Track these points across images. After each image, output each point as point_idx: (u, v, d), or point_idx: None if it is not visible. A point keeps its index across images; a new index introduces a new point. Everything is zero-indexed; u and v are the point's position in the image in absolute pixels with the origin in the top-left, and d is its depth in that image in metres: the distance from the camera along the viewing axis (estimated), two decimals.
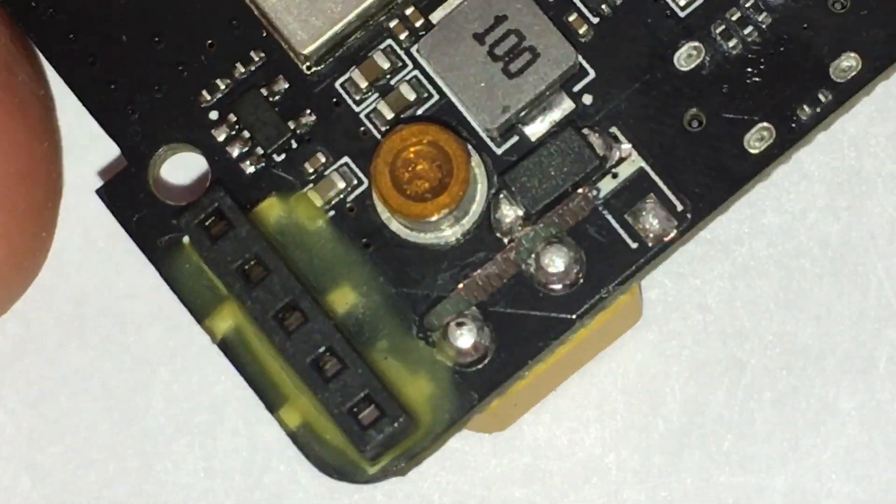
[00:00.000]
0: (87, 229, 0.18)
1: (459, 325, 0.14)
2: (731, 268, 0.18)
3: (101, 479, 0.18)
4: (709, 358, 0.18)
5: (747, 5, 0.15)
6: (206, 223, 0.14)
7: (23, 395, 0.18)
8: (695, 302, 0.18)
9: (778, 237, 0.18)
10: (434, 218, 0.14)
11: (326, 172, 0.15)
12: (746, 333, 0.18)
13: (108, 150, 0.17)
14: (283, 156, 0.15)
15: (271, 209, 0.15)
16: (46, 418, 0.18)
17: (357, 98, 0.15)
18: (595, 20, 0.15)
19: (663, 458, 0.18)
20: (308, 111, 0.15)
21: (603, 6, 0.15)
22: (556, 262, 0.15)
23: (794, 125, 0.15)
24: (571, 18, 0.15)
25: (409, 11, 0.15)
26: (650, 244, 0.14)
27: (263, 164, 0.15)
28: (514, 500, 0.18)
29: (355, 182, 0.15)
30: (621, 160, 0.15)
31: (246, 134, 0.15)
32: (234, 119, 0.15)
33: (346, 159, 0.15)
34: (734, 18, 0.15)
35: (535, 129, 0.15)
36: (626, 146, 0.15)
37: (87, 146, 0.18)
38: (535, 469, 0.18)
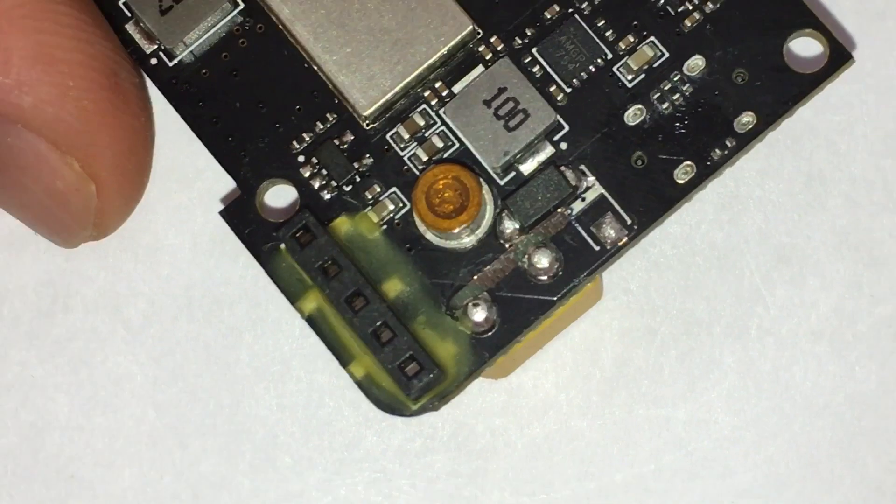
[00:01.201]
0: (194, 235, 0.22)
1: (475, 305, 0.18)
2: (647, 263, 0.22)
3: (205, 412, 0.22)
4: (631, 327, 0.22)
5: (675, 79, 0.18)
6: (297, 235, 0.18)
7: (150, 353, 0.22)
8: (621, 287, 0.22)
9: (680, 241, 0.22)
10: (456, 231, 0.18)
11: (380, 198, 0.18)
12: (657, 309, 0.22)
13: (210, 181, 0.22)
14: (350, 187, 0.18)
15: (342, 224, 0.18)
16: (166, 369, 0.22)
17: (402, 146, 0.19)
18: (568, 90, 0.19)
19: (600, 398, 0.22)
20: (367, 155, 0.19)
21: (574, 80, 0.19)
22: (542, 260, 0.18)
23: (708, 163, 0.18)
24: (552, 89, 0.19)
25: (437, 84, 0.19)
26: (608, 248, 0.18)
27: (336, 193, 0.18)
28: (495, 426, 0.22)
29: (401, 205, 0.18)
30: (587, 188, 0.18)
31: (324, 171, 0.18)
32: (316, 161, 0.19)
33: (394, 189, 0.18)
34: (666, 88, 0.18)
35: (527, 167, 0.18)
36: (591, 178, 0.18)
37: (192, 178, 0.22)
38: (509, 405, 0.22)
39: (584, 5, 0.19)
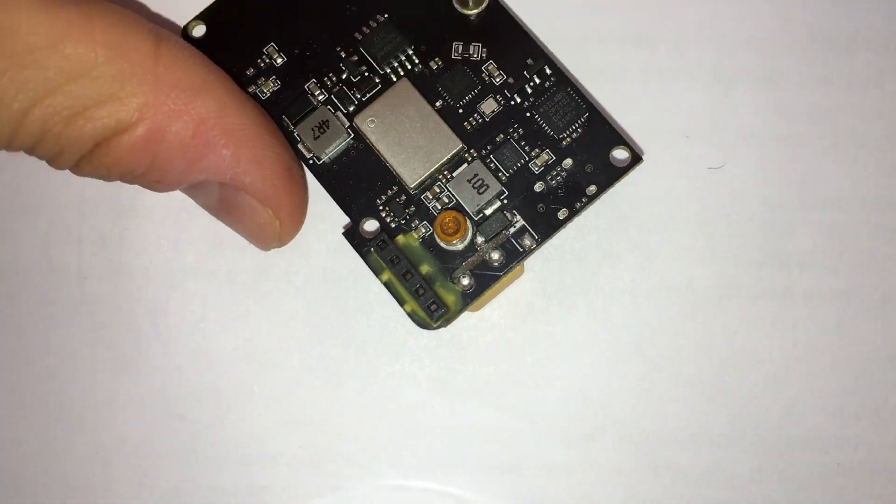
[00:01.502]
0: (327, 246, 0.28)
1: (463, 276, 0.25)
2: (543, 256, 0.28)
3: (339, 334, 0.28)
4: (534, 288, 0.28)
5: (558, 169, 0.25)
6: (379, 244, 0.25)
7: (266, 312, 0.28)
8: (530, 268, 0.28)
9: (558, 247, 0.28)
10: (454, 242, 0.25)
11: (418, 226, 0.25)
12: (549, 279, 0.28)
13: (333, 218, 0.27)
14: (404, 221, 0.25)
15: (400, 239, 0.25)
16: (279, 323, 0.28)
17: (429, 201, 0.26)
18: (508, 174, 0.25)
19: (519, 321, 0.28)
20: (412, 206, 0.25)
21: (510, 170, 0.25)
22: (494, 255, 0.25)
23: (573, 209, 0.25)
24: (499, 175, 0.26)
25: (445, 172, 0.26)
26: (526, 250, 0.25)
27: (397, 223, 0.25)
28: (468, 336, 0.28)
29: (428, 229, 0.25)
30: (516, 221, 0.25)
31: (392, 213, 0.25)
32: (388, 208, 0.25)
33: (425, 221, 0.25)
34: (554, 174, 0.25)
35: (488, 211, 0.25)
36: (518, 217, 0.25)
37: (325, 217, 0.28)
38: (476, 325, 0.28)
39: (514, 136, 0.26)
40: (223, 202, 0.24)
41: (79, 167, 0.22)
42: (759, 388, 0.27)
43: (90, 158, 0.21)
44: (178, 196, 0.27)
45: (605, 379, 0.28)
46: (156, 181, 0.22)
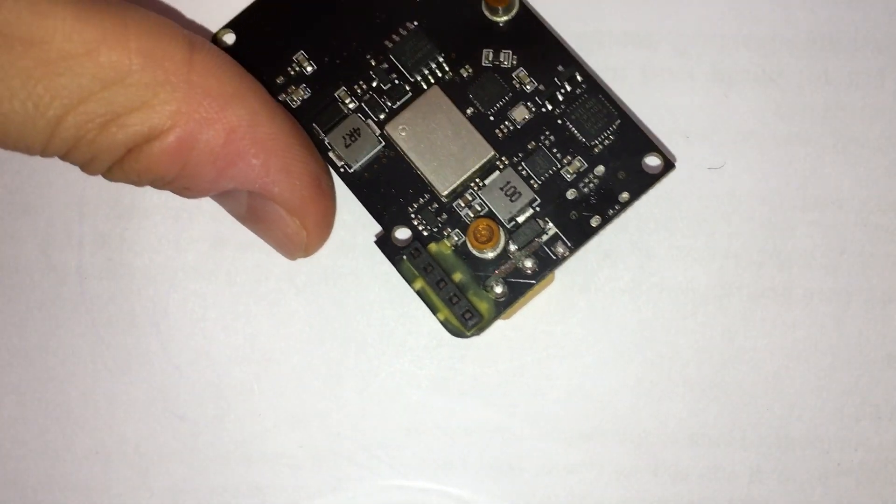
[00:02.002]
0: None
1: (496, 284, 0.25)
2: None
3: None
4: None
5: (590, 176, 0.26)
6: (412, 252, 0.25)
7: (266, 312, 0.28)
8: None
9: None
10: (488, 250, 0.25)
11: (451, 234, 0.26)
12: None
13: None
14: (436, 229, 0.26)
15: (433, 247, 0.26)
16: (279, 323, 0.28)
17: (461, 209, 0.26)
18: (540, 181, 0.26)
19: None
20: (444, 214, 0.26)
21: (542, 178, 0.26)
22: (528, 263, 0.25)
23: (605, 217, 0.25)
24: (531, 182, 0.26)
25: (477, 179, 0.26)
26: (558, 258, 0.25)
27: (430, 232, 0.26)
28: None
29: (461, 238, 0.25)
30: (549, 229, 0.25)
31: (424, 221, 0.26)
32: (420, 216, 0.26)
33: (457, 229, 0.26)
34: (586, 181, 0.26)
35: (520, 219, 0.25)
36: (550, 224, 0.25)
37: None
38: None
39: (546, 143, 0.26)
40: (251, 211, 0.24)
41: (110, 173, 0.22)
42: (759, 388, 0.27)
43: (122, 164, 0.21)
44: (178, 196, 0.27)
45: (605, 379, 0.28)
46: (185, 188, 0.23)
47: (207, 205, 0.28)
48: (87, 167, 0.22)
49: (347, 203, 0.26)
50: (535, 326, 0.28)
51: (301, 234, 0.24)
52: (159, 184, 0.22)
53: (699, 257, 0.28)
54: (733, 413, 0.27)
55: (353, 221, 0.28)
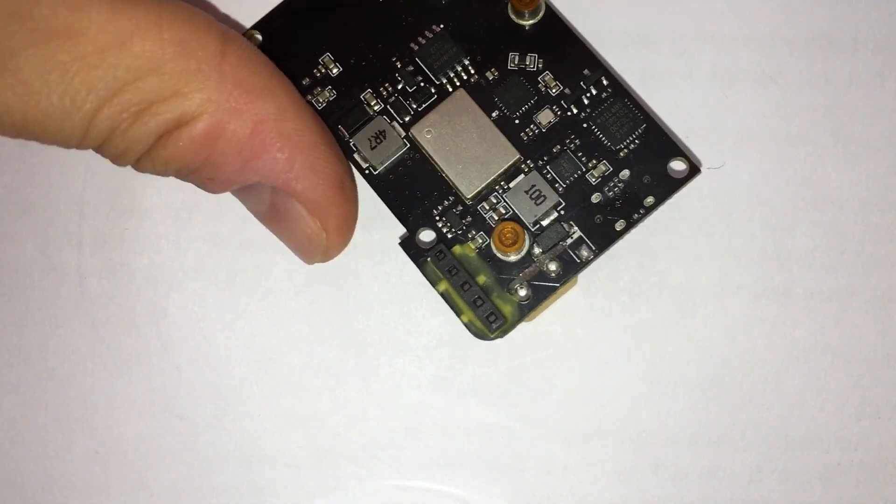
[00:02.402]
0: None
1: (521, 287, 0.25)
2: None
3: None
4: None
5: (615, 180, 0.26)
6: (437, 255, 0.25)
7: (266, 312, 0.28)
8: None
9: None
10: (513, 253, 0.25)
11: (475, 236, 0.26)
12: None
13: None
14: (461, 231, 0.26)
15: (457, 249, 0.26)
16: (279, 323, 0.28)
17: (486, 212, 0.26)
18: (565, 185, 0.26)
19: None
20: (469, 216, 0.26)
21: (567, 181, 0.26)
22: (552, 266, 0.25)
23: (630, 221, 0.25)
24: (556, 186, 0.26)
25: (502, 182, 0.26)
26: (582, 261, 0.25)
27: (454, 234, 0.26)
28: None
29: (486, 240, 0.26)
30: (574, 232, 0.26)
31: (448, 224, 0.26)
32: (444, 219, 0.26)
33: (482, 232, 0.26)
34: (611, 185, 0.26)
35: (545, 222, 0.26)
36: (575, 228, 0.26)
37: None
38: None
39: (571, 147, 0.26)
40: (273, 208, 0.24)
41: (139, 163, 0.22)
42: (759, 388, 0.27)
43: (150, 153, 0.22)
44: (178, 196, 0.28)
45: (605, 379, 0.28)
46: (209, 178, 0.23)
47: (207, 204, 0.28)
48: (119, 158, 0.22)
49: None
50: (535, 326, 0.28)
51: (321, 236, 0.24)
52: (184, 173, 0.22)
53: (699, 257, 0.28)
54: (733, 413, 0.27)
55: None
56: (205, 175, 0.23)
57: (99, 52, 0.20)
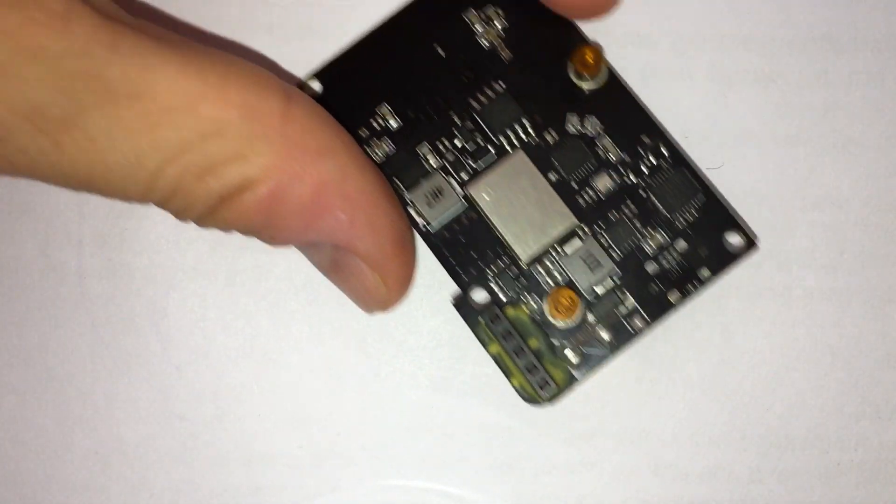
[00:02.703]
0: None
1: (573, 353, 0.26)
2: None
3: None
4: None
5: (671, 250, 0.26)
6: (492, 317, 0.26)
7: (266, 312, 0.28)
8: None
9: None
10: (566, 321, 0.26)
11: (529, 299, 0.26)
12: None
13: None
14: (514, 293, 0.26)
15: (510, 311, 0.26)
16: (279, 323, 0.28)
17: (540, 275, 0.26)
18: (621, 254, 0.26)
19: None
20: (524, 279, 0.26)
21: (622, 249, 0.26)
22: (605, 335, 0.26)
23: (684, 293, 0.26)
24: (612, 254, 0.26)
25: (557, 246, 0.26)
26: (636, 331, 0.26)
27: (508, 296, 0.26)
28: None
29: (539, 303, 0.26)
30: (626, 301, 0.26)
31: (502, 285, 0.26)
32: (499, 280, 0.26)
33: (535, 295, 0.26)
34: (667, 255, 0.26)
35: (599, 290, 0.26)
36: (629, 296, 0.26)
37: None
38: (469, 337, 0.27)
39: (628, 214, 0.26)
40: (334, 263, 0.24)
41: (201, 220, 0.22)
42: (759, 388, 0.27)
43: (213, 213, 0.22)
44: None
45: (605, 379, 0.28)
46: (270, 237, 0.23)
47: None
48: (181, 214, 0.22)
49: None
50: None
51: (381, 290, 0.24)
52: (246, 231, 0.23)
53: None
54: (733, 413, 0.27)
55: None
56: (267, 235, 0.23)
57: (166, 112, 0.20)
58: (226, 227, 0.22)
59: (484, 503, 0.27)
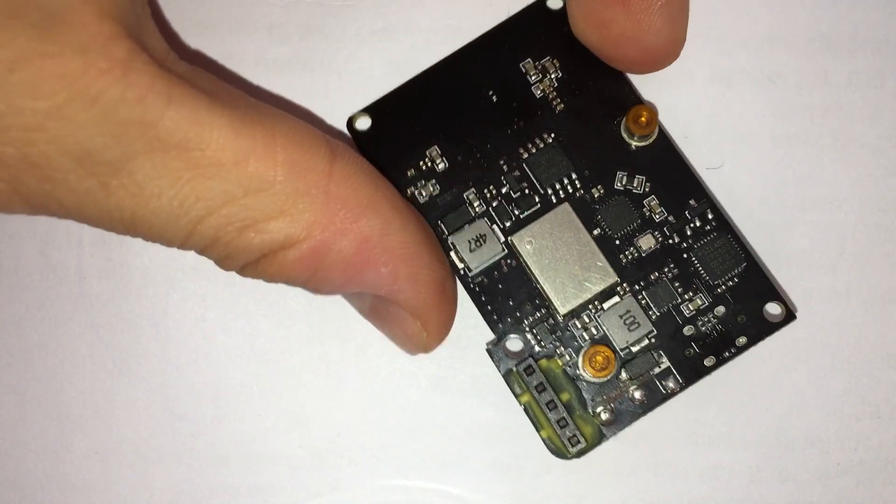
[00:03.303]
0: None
1: (604, 410, 0.26)
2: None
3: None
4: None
5: (709, 315, 0.26)
6: (526, 369, 0.26)
7: (266, 312, 0.28)
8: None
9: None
10: (601, 377, 0.26)
11: (563, 353, 0.26)
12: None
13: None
14: (549, 345, 0.26)
15: (544, 363, 0.26)
16: (279, 323, 0.28)
17: (577, 330, 0.26)
18: (659, 313, 0.26)
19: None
20: (559, 332, 0.26)
21: (662, 310, 0.26)
22: (637, 394, 0.26)
23: (721, 358, 0.26)
24: (650, 313, 0.26)
25: (596, 302, 0.26)
26: (668, 392, 0.26)
27: (543, 348, 0.26)
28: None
29: (573, 358, 0.26)
30: (661, 362, 0.26)
31: (538, 336, 0.26)
32: (534, 331, 0.26)
33: (570, 349, 0.26)
34: (705, 319, 0.26)
35: (635, 348, 0.26)
36: (664, 358, 0.26)
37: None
38: (469, 337, 0.28)
39: (669, 276, 0.26)
40: (374, 310, 0.25)
41: (243, 271, 0.23)
42: (759, 388, 0.27)
43: (255, 265, 0.22)
44: None
45: None
46: (315, 288, 0.23)
47: None
48: (221, 263, 0.22)
49: None
50: None
51: (422, 336, 0.25)
52: (290, 283, 0.23)
53: None
54: (733, 413, 0.27)
55: None
56: (311, 286, 0.23)
57: (214, 166, 0.20)
58: (269, 279, 0.23)
59: (484, 503, 0.27)
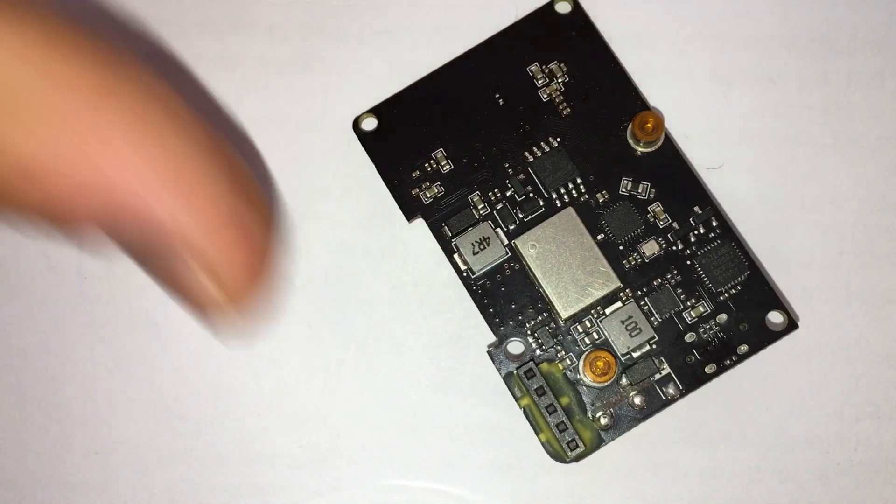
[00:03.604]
0: (318, 249, 0.28)
1: (603, 415, 0.26)
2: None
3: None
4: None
5: (711, 323, 0.26)
6: (527, 372, 0.26)
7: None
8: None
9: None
10: (601, 382, 0.25)
11: (564, 357, 0.26)
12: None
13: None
14: (551, 350, 0.26)
15: (544, 367, 0.26)
16: (279, 323, 0.28)
17: (578, 335, 0.26)
18: (661, 319, 0.26)
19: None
20: (560, 336, 0.26)
21: (663, 316, 0.26)
22: (637, 400, 0.26)
23: (722, 366, 0.26)
24: (651, 319, 0.26)
25: (598, 307, 0.26)
26: (668, 399, 0.26)
27: (544, 352, 0.26)
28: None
29: (574, 362, 0.26)
30: (663, 369, 0.26)
31: (539, 340, 0.26)
32: (536, 335, 0.26)
33: (571, 354, 0.26)
34: (707, 327, 0.26)
35: (636, 354, 0.26)
36: (665, 365, 0.26)
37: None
38: (469, 337, 0.28)
39: (672, 282, 0.26)
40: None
41: None
42: (759, 388, 0.27)
43: None
44: None
45: None
46: None
47: None
48: None
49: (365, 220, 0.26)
50: None
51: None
52: None
53: None
54: (733, 413, 0.27)
55: (352, 221, 0.28)
56: None
57: None
58: None
59: (484, 503, 0.27)
